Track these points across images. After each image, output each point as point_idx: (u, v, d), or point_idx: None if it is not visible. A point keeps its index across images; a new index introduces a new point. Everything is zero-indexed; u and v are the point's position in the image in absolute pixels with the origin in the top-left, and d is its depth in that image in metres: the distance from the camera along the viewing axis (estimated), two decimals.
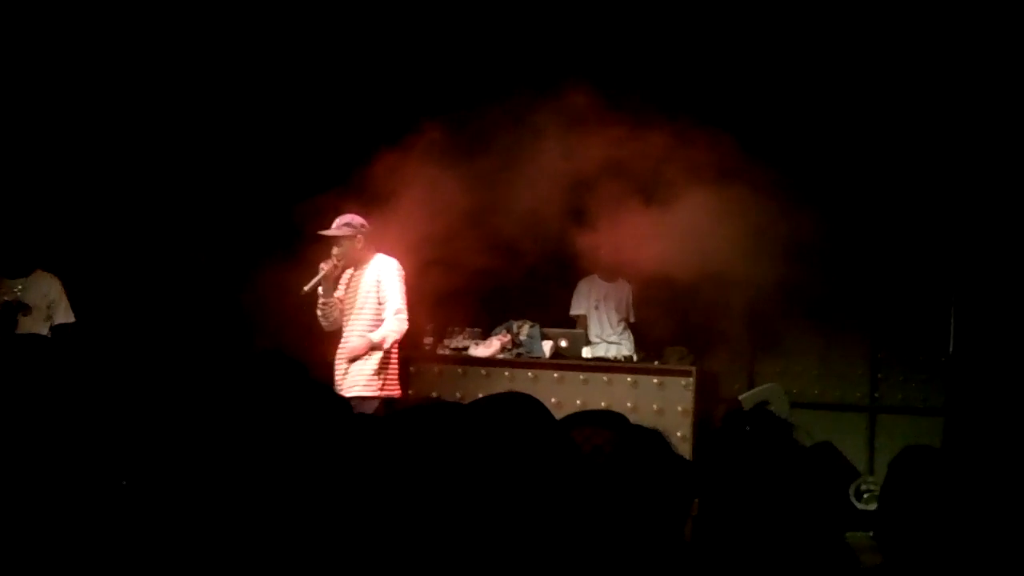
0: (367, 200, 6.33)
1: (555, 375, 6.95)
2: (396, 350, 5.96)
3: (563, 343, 7.11)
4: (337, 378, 5.89)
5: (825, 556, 2.35)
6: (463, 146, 7.17)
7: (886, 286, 7.31)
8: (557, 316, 7.42)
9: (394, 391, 5.94)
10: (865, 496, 6.59)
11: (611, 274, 7.38)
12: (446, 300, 7.46)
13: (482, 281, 7.48)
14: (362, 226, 5.95)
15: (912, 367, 7.39)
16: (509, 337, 7.25)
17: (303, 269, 6.21)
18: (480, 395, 7.13)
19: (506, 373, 7.04)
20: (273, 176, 7.40)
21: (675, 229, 7.22)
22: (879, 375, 7.46)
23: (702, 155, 7.08)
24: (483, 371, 7.12)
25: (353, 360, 5.86)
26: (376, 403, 5.77)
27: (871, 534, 6.48)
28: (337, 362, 5.94)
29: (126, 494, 1.84)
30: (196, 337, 7.09)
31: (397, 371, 5.99)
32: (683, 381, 6.80)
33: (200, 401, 1.94)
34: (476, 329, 7.36)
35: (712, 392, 7.35)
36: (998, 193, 6.72)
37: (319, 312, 5.97)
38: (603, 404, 6.63)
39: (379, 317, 5.91)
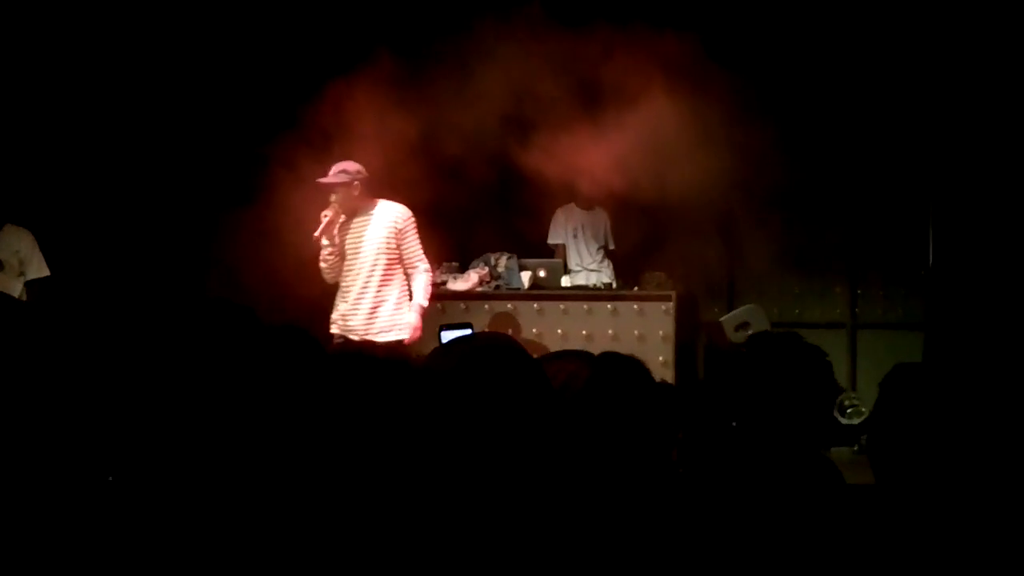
0: (323, 138, 6.27)
1: (535, 306, 6.91)
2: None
3: (541, 273, 7.07)
4: (356, 324, 5.93)
5: (809, 472, 2.35)
6: (421, 74, 7.10)
7: (863, 202, 7.29)
8: (534, 246, 7.37)
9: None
10: (848, 411, 6.64)
11: (588, 202, 7.34)
12: (421, 236, 7.41)
13: (456, 215, 7.44)
14: (358, 172, 5.93)
15: (891, 283, 7.41)
16: (487, 270, 7.20)
17: (275, 212, 6.15)
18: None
19: (485, 306, 7.00)
20: (228, 119, 7.31)
21: (647, 153, 7.17)
22: (858, 291, 7.47)
23: (670, 73, 7.02)
24: (462, 305, 7.08)
25: (377, 306, 5.94)
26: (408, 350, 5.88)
27: (855, 449, 6.54)
28: (353, 311, 5.96)
29: (112, 480, 1.79)
30: (164, 290, 7.05)
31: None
32: (663, 306, 6.76)
33: (161, 355, 1.89)
34: (453, 263, 7.30)
35: (692, 316, 7.34)
36: (975, 106, 6.68)
37: (323, 264, 5.99)
38: (584, 333, 6.62)
39: (395, 267, 5.98)
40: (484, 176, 7.27)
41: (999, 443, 1.87)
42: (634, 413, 2.26)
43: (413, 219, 6.06)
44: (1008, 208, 6.60)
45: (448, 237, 7.37)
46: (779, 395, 2.46)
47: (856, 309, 7.47)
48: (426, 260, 6.09)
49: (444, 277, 7.23)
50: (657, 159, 7.18)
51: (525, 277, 7.06)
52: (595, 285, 7.09)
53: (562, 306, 6.84)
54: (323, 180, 5.89)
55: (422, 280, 6.04)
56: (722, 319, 6.97)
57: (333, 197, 5.89)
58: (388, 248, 5.98)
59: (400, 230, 5.99)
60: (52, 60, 6.93)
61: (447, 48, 7.01)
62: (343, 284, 6.04)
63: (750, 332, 6.81)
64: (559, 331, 6.68)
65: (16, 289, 5.73)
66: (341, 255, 5.99)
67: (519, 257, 7.17)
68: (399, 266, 6.03)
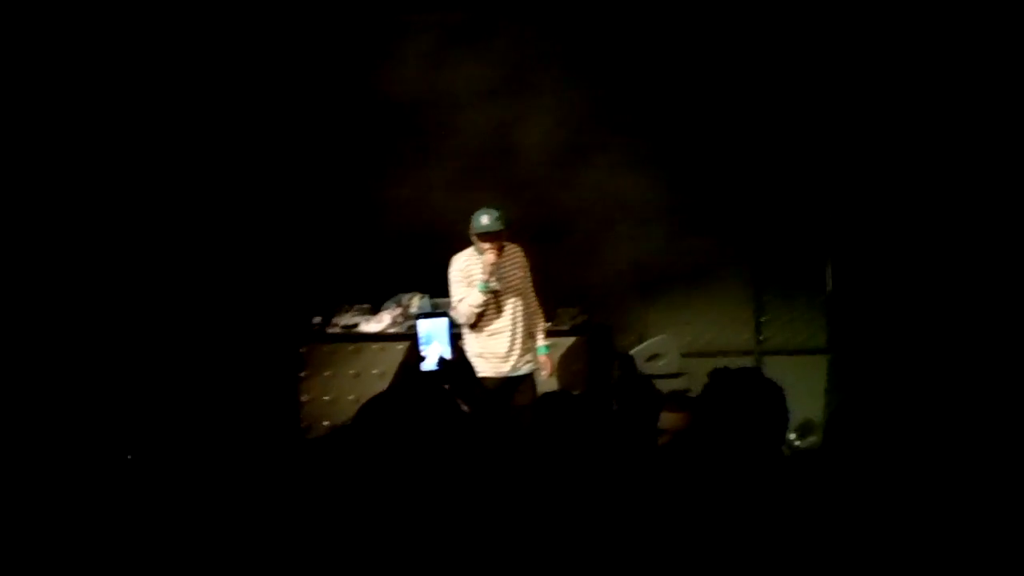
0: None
1: None
2: None
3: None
4: (515, 356, 6.12)
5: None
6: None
7: (765, 229, 7.48)
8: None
9: None
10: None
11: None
12: (331, 277, 7.39)
13: (366, 255, 7.43)
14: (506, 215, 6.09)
15: (794, 308, 7.59)
16: (400, 310, 7.19)
17: None
18: (375, 370, 7.04)
19: (399, 346, 6.98)
20: None
21: (558, 189, 7.29)
22: (763, 318, 7.65)
23: (572, 117, 7.19)
24: (376, 346, 7.06)
25: (527, 343, 6.17)
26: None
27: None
28: (510, 348, 6.11)
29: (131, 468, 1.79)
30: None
31: None
32: (577, 340, 6.87)
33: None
34: (365, 305, 7.28)
35: (607, 348, 7.43)
36: (871, 127, 6.90)
37: (479, 309, 6.03)
38: None
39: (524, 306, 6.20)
40: (394, 216, 7.31)
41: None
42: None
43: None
44: (903, 232, 6.83)
45: (360, 279, 7.37)
46: (741, 427, 2.55)
47: (761, 336, 7.63)
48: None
49: (356, 319, 7.20)
50: (573, 196, 7.32)
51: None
52: None
53: None
54: (496, 229, 5.97)
55: (543, 318, 6.32)
56: (633, 351, 7.06)
57: (490, 244, 5.98)
58: (528, 284, 6.22)
59: (526, 267, 6.23)
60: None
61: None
62: (493, 327, 6.11)
63: (662, 362, 6.94)
64: None
65: None
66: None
67: (431, 296, 7.18)
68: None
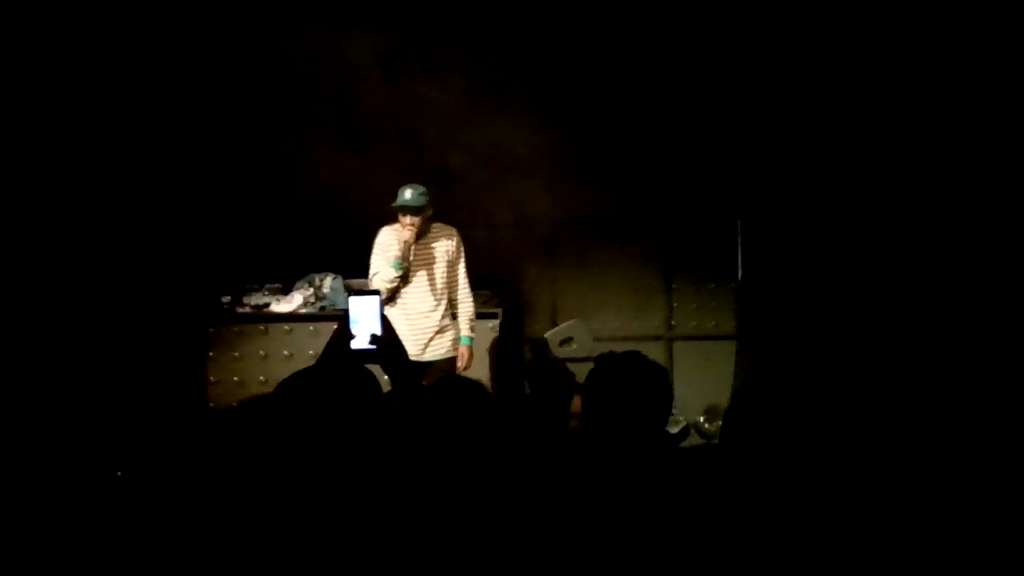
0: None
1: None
2: None
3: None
4: (426, 340, 6.04)
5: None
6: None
7: (676, 218, 7.58)
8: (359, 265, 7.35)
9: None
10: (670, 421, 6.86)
11: None
12: (242, 256, 7.28)
13: (277, 234, 7.34)
14: (427, 193, 5.96)
15: (703, 295, 7.72)
16: (312, 290, 7.12)
17: None
18: (285, 352, 6.97)
19: (311, 327, 6.91)
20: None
21: (462, 171, 7.29)
22: (673, 304, 7.76)
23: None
24: (286, 327, 6.98)
25: (445, 328, 6.10)
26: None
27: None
28: (422, 330, 6.03)
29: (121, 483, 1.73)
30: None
31: None
32: (489, 324, 6.87)
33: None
34: (276, 285, 7.19)
35: (518, 332, 7.46)
36: (779, 119, 7.01)
37: (391, 285, 5.93)
38: None
39: (447, 289, 6.10)
40: (308, 195, 7.23)
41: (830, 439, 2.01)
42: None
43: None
44: (810, 222, 6.97)
45: (271, 258, 7.27)
46: (625, 407, 2.59)
47: (672, 322, 7.74)
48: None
49: (267, 299, 7.11)
50: (476, 182, 7.32)
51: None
52: None
53: None
54: (412, 203, 5.85)
55: (471, 302, 6.23)
56: (546, 335, 7.11)
57: (411, 220, 5.86)
58: (448, 270, 6.08)
59: (457, 251, 6.14)
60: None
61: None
62: (409, 307, 6.03)
63: (574, 347, 6.99)
64: None
65: None
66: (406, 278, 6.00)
67: (344, 277, 7.13)
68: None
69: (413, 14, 7.23)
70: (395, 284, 5.95)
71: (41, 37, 6.33)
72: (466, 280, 6.18)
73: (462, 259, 6.16)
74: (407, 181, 6.00)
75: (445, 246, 6.09)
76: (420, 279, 6.04)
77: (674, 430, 6.83)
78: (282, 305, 7.06)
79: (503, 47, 7.29)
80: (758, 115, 7.08)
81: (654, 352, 7.50)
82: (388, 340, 2.72)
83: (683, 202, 7.52)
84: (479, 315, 6.64)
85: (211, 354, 6.91)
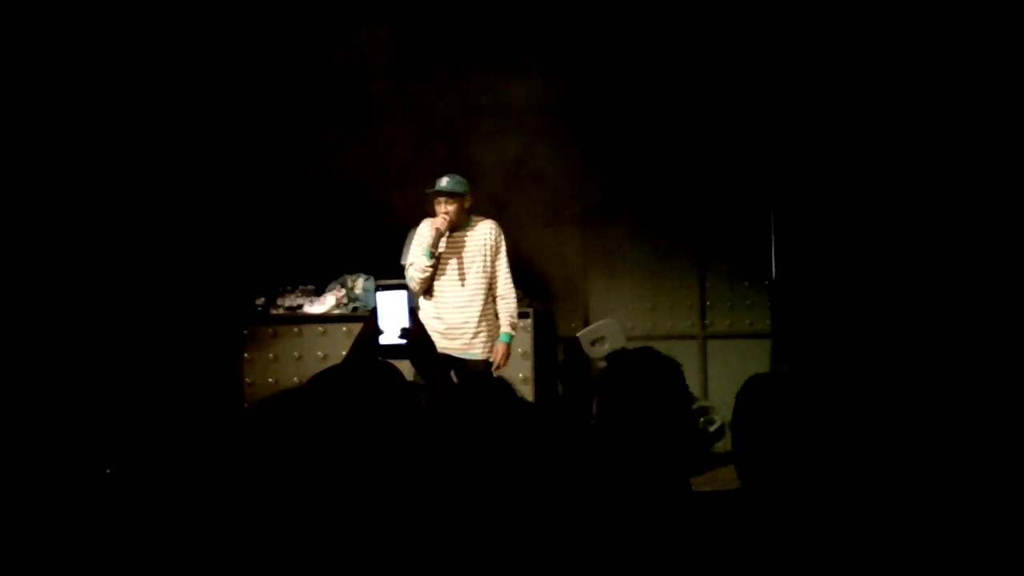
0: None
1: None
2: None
3: None
4: (463, 343, 5.85)
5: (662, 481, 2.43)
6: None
7: (709, 215, 7.53)
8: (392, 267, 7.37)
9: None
10: (701, 420, 6.82)
11: None
12: (275, 258, 7.32)
13: (311, 236, 7.36)
14: (467, 184, 5.86)
15: (737, 293, 7.66)
16: (344, 292, 7.14)
17: None
18: (319, 353, 6.98)
19: (344, 328, 6.94)
20: None
21: (493, 171, 7.28)
22: (707, 303, 7.71)
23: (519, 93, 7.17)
24: (320, 328, 7.01)
25: (480, 325, 5.86)
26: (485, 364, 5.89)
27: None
28: (455, 325, 5.84)
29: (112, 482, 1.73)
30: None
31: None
32: (522, 323, 6.85)
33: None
34: (309, 286, 7.22)
35: (550, 332, 7.45)
36: (813, 115, 6.94)
37: (423, 274, 5.77)
38: None
39: (486, 284, 5.87)
40: (340, 196, 7.26)
41: (854, 441, 1.97)
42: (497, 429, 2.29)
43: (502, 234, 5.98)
44: (845, 219, 6.91)
45: (304, 259, 7.30)
46: (638, 403, 2.55)
47: (706, 320, 7.69)
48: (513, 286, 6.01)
49: (299, 301, 7.14)
50: (506, 178, 7.31)
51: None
52: None
53: None
54: (446, 188, 5.73)
55: (513, 298, 5.99)
56: (579, 334, 7.08)
57: (449, 206, 5.74)
58: (484, 266, 5.87)
59: (495, 246, 5.92)
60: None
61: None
62: (445, 300, 5.88)
63: (607, 346, 6.95)
64: None
65: None
66: (439, 269, 5.84)
67: (376, 278, 7.14)
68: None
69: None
70: (427, 273, 5.78)
71: (71, 36, 6.40)
72: (508, 275, 5.93)
73: (502, 253, 5.92)
74: (430, 175, 5.94)
75: (482, 239, 5.88)
76: (452, 271, 5.84)
77: (711, 429, 6.78)
78: (315, 306, 7.09)
79: (542, 48, 7.29)
80: (791, 105, 7.02)
81: (688, 351, 7.47)
82: (417, 335, 2.69)
83: (716, 198, 7.47)
84: None
85: (247, 356, 6.96)
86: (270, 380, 6.92)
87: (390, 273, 7.19)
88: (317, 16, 7.14)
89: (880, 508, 1.97)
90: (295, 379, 6.85)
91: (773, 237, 7.37)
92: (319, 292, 7.19)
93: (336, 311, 7.06)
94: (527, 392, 6.54)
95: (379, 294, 2.79)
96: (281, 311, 7.11)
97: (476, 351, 5.88)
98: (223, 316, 7.00)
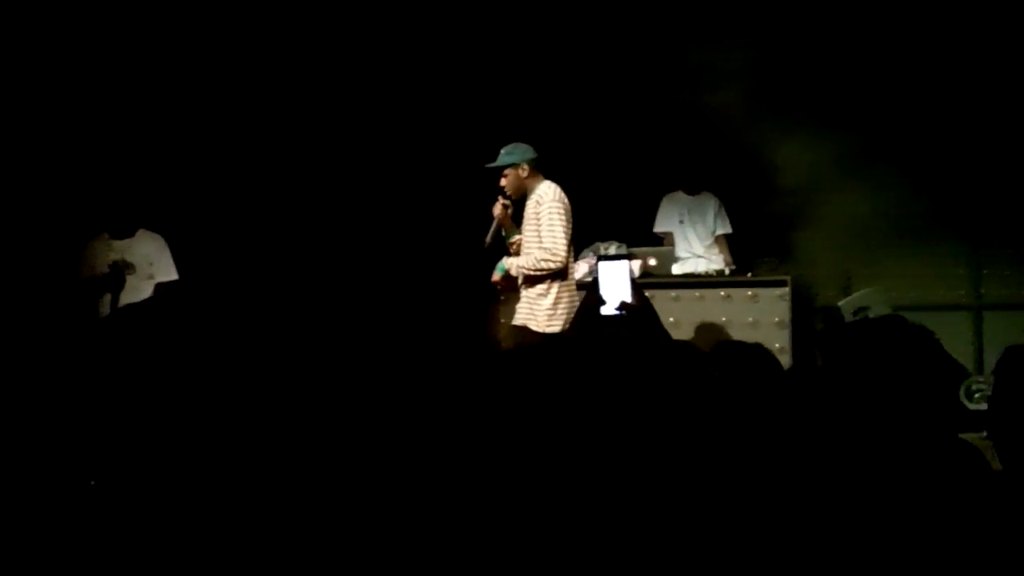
0: None
1: (646, 294, 6.85)
2: (566, 289, 5.77)
3: (652, 261, 6.99)
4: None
5: (945, 457, 2.26)
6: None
7: (985, 177, 7.02)
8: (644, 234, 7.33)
9: (552, 327, 5.70)
10: (976, 396, 6.41)
11: (694, 188, 7.27)
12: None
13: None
14: (526, 151, 5.68)
15: (1016, 261, 7.13)
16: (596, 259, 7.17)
17: None
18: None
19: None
20: None
21: (751, 137, 7.08)
22: (983, 271, 7.21)
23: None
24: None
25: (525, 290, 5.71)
26: (536, 336, 5.59)
27: (983, 435, 6.31)
28: (522, 298, 5.79)
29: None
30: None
31: (561, 310, 5.75)
32: (777, 292, 6.64)
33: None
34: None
35: (808, 301, 7.18)
36: None
37: (553, 264, 5.69)
38: (696, 320, 6.54)
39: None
40: (591, 165, 7.28)
41: None
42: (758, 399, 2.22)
43: (559, 201, 5.61)
44: None
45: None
46: (887, 379, 2.36)
47: (981, 289, 7.20)
48: (550, 251, 5.60)
49: None
50: (761, 143, 7.09)
51: (636, 265, 7.00)
52: (705, 272, 7.00)
53: (673, 294, 6.76)
54: (490, 165, 5.63)
55: (533, 256, 5.63)
56: (840, 303, 6.80)
57: (503, 182, 5.66)
58: (532, 235, 5.68)
59: (537, 214, 5.60)
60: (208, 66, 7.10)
61: None
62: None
63: (870, 317, 6.63)
64: (671, 319, 6.60)
65: (145, 291, 5.99)
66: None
67: (628, 245, 7.12)
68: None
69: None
70: (540, 264, 5.55)
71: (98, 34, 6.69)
72: (546, 241, 5.55)
73: (544, 222, 5.56)
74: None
75: (532, 208, 5.63)
76: (528, 242, 5.64)
77: (984, 406, 6.35)
78: (576, 274, 7.16)
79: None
80: None
81: (960, 323, 7.03)
82: (639, 306, 2.64)
83: (995, 159, 6.95)
84: (765, 283, 6.40)
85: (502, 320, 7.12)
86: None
87: (642, 241, 7.17)
88: None
89: None
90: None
91: None
92: (573, 258, 7.25)
93: (588, 279, 7.10)
94: (784, 362, 6.34)
95: (600, 264, 2.74)
96: None
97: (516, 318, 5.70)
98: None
